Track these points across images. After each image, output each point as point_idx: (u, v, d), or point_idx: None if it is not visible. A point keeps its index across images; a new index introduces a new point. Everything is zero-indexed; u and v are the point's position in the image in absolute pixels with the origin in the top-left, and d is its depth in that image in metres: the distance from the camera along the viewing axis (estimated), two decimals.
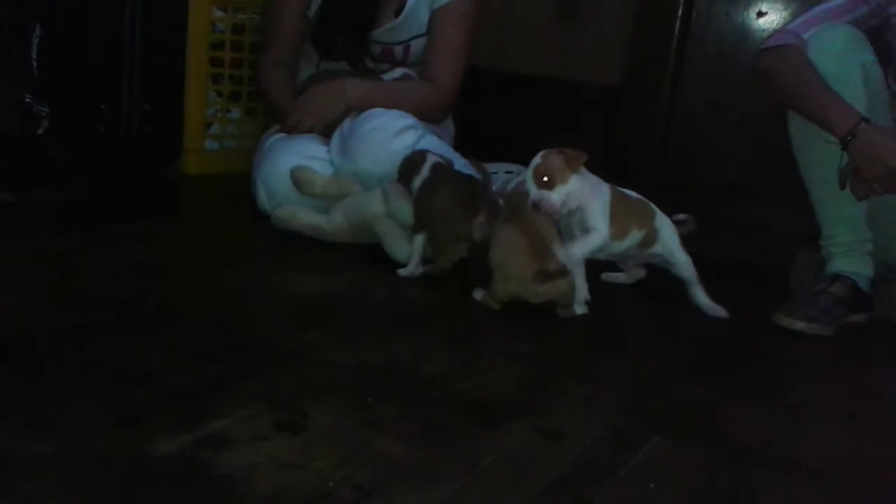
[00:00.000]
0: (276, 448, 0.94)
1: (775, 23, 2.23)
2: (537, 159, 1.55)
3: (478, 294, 1.52)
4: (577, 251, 1.55)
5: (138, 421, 0.96)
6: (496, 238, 1.51)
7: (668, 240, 1.63)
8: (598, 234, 1.56)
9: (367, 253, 1.73)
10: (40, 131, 1.96)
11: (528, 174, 1.54)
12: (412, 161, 1.72)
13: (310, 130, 1.90)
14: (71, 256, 1.53)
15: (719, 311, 1.61)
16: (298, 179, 1.77)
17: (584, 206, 1.56)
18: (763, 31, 2.26)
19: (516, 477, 0.94)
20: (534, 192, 1.52)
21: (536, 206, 1.51)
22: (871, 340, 1.64)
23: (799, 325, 1.57)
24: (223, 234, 1.84)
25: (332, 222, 1.75)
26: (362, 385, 1.13)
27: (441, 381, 1.17)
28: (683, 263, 1.63)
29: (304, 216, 1.76)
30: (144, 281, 1.45)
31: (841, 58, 1.58)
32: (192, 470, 0.87)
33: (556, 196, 1.52)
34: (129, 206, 1.95)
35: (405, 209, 1.67)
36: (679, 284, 1.64)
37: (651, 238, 1.61)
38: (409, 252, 1.66)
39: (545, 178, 1.52)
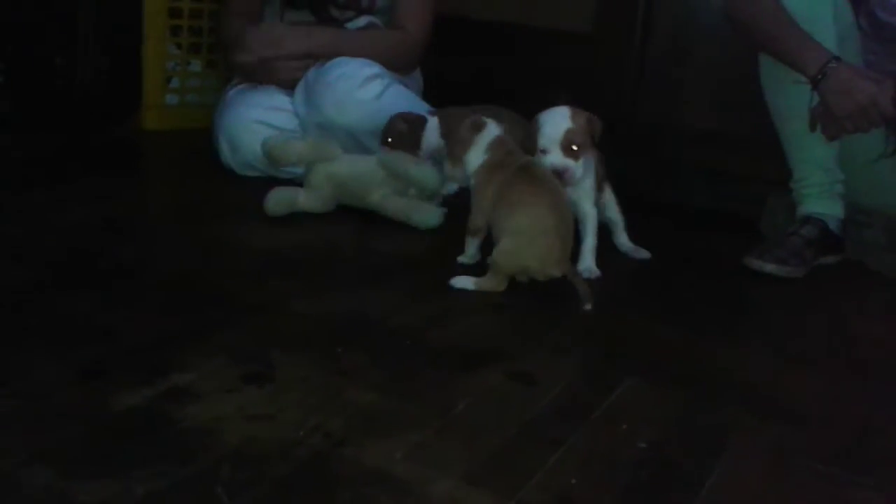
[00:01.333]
0: (243, 400, 0.92)
1: None
2: (566, 122, 1.38)
3: (465, 282, 1.31)
4: (590, 261, 1.43)
5: (101, 375, 0.94)
6: (521, 201, 1.29)
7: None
8: (592, 220, 1.44)
9: (336, 207, 1.70)
10: None
11: (554, 136, 1.37)
12: (413, 123, 1.66)
13: (272, 79, 1.83)
14: (29, 213, 1.49)
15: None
16: (272, 154, 1.64)
17: (579, 184, 1.41)
18: None
19: (489, 421, 0.93)
20: (559, 159, 1.36)
21: (560, 175, 1.35)
22: (842, 282, 1.65)
23: (769, 268, 1.56)
24: (186, 190, 1.80)
25: (322, 199, 1.63)
26: (332, 336, 1.11)
27: (413, 331, 1.16)
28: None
29: (304, 200, 1.61)
30: (106, 237, 1.41)
31: None
32: (158, 422, 0.85)
33: (579, 168, 1.37)
34: (88, 162, 1.89)
35: (431, 174, 1.59)
36: (645, 235, 1.62)
37: None
38: (439, 213, 1.60)
39: (574, 147, 1.36)
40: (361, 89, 1.74)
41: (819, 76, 1.48)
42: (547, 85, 2.24)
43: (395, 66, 1.88)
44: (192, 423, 0.86)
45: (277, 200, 1.58)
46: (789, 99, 1.60)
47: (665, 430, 0.96)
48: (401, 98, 1.81)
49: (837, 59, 1.49)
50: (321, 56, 1.81)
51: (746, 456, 0.93)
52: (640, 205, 1.67)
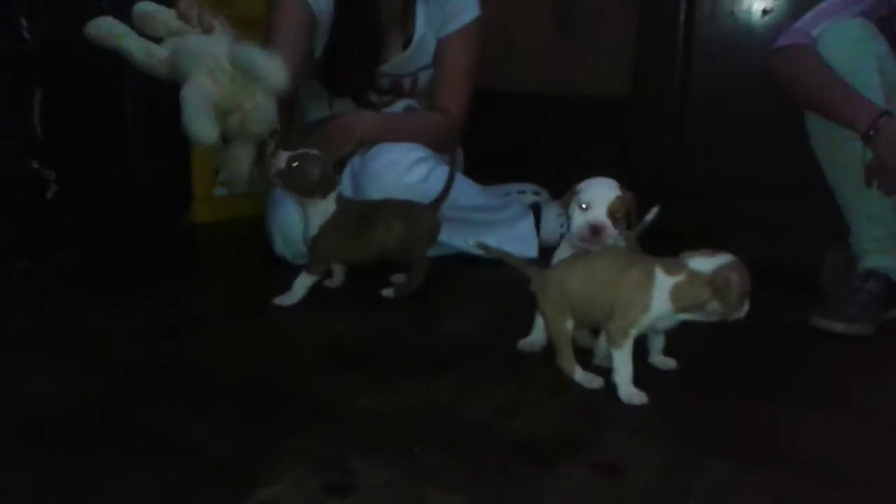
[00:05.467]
0: None
1: (781, 19, 2.21)
2: (615, 191, 1.37)
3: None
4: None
5: (187, 494, 0.93)
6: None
7: None
8: None
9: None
10: (49, 196, 1.94)
11: (603, 199, 1.36)
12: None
13: None
14: (93, 323, 1.51)
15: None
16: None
17: None
18: (768, 27, 2.24)
19: None
20: (602, 216, 1.35)
21: (597, 232, 1.35)
22: None
23: (839, 327, 1.53)
24: (242, 284, 1.82)
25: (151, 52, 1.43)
26: (406, 433, 1.10)
27: (487, 422, 1.14)
28: None
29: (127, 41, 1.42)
30: (170, 342, 1.42)
31: (854, 51, 1.55)
32: None
33: (613, 229, 1.37)
34: (144, 264, 1.93)
35: (279, 69, 1.40)
36: None
37: None
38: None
39: (619, 216, 1.37)
40: (408, 174, 1.76)
41: (871, 132, 1.47)
42: (591, 148, 2.25)
43: (438, 147, 1.91)
44: None
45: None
46: (842, 156, 1.58)
47: None
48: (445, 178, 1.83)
49: (888, 113, 1.47)
50: (368, 142, 1.84)
51: None
52: None
